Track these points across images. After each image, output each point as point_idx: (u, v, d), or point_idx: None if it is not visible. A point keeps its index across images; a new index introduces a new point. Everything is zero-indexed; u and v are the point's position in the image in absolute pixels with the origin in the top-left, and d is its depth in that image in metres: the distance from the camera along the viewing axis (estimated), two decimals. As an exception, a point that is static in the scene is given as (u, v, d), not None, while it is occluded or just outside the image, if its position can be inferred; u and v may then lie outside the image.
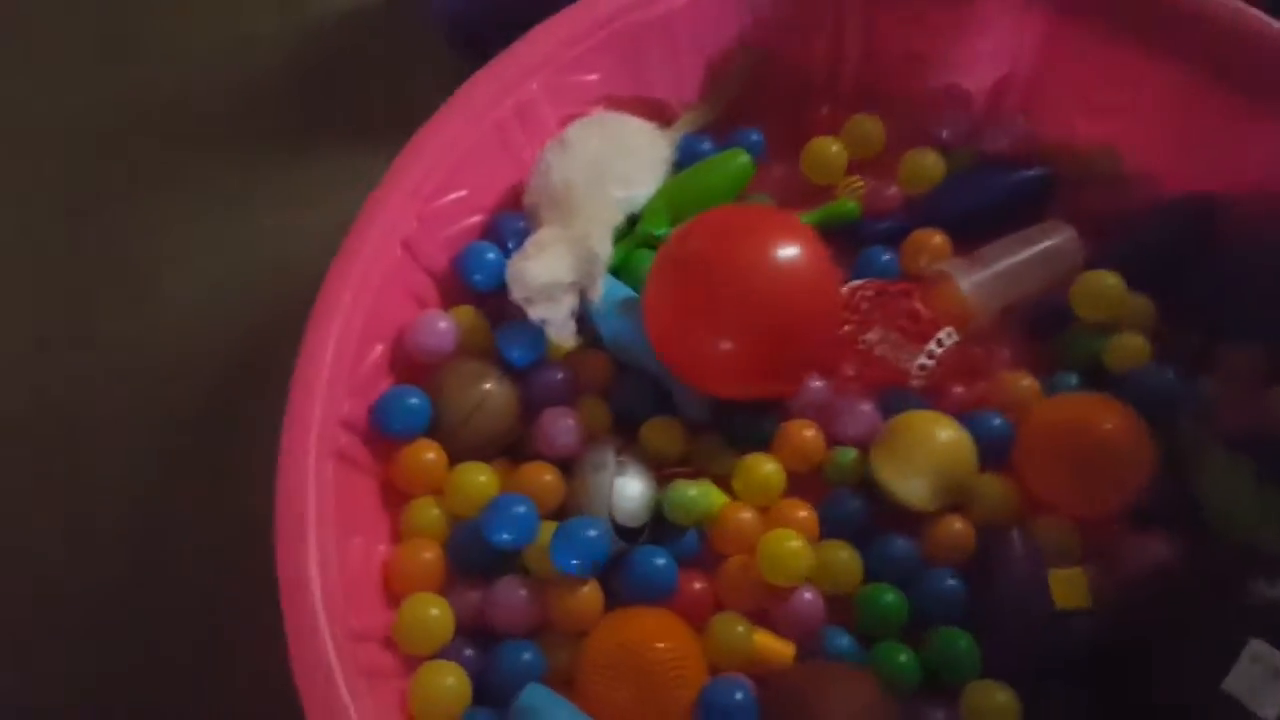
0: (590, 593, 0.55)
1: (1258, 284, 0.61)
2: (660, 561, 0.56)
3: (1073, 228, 0.64)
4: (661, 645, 0.52)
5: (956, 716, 0.53)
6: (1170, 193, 0.65)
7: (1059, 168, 0.68)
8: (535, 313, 0.60)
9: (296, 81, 0.86)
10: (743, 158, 0.69)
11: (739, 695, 0.51)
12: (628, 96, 0.70)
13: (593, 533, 0.54)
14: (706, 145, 0.71)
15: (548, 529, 0.56)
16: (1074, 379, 0.62)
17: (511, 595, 0.55)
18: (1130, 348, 0.61)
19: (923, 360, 0.59)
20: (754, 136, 0.72)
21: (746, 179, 0.69)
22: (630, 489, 0.58)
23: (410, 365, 0.62)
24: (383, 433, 0.59)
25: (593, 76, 0.68)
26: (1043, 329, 0.65)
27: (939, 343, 0.59)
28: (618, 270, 0.66)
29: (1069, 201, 0.67)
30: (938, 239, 0.66)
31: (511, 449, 0.62)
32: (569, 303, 0.61)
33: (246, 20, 0.89)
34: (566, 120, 0.68)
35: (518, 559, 0.57)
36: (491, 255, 0.64)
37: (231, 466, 0.65)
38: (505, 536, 0.55)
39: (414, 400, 0.59)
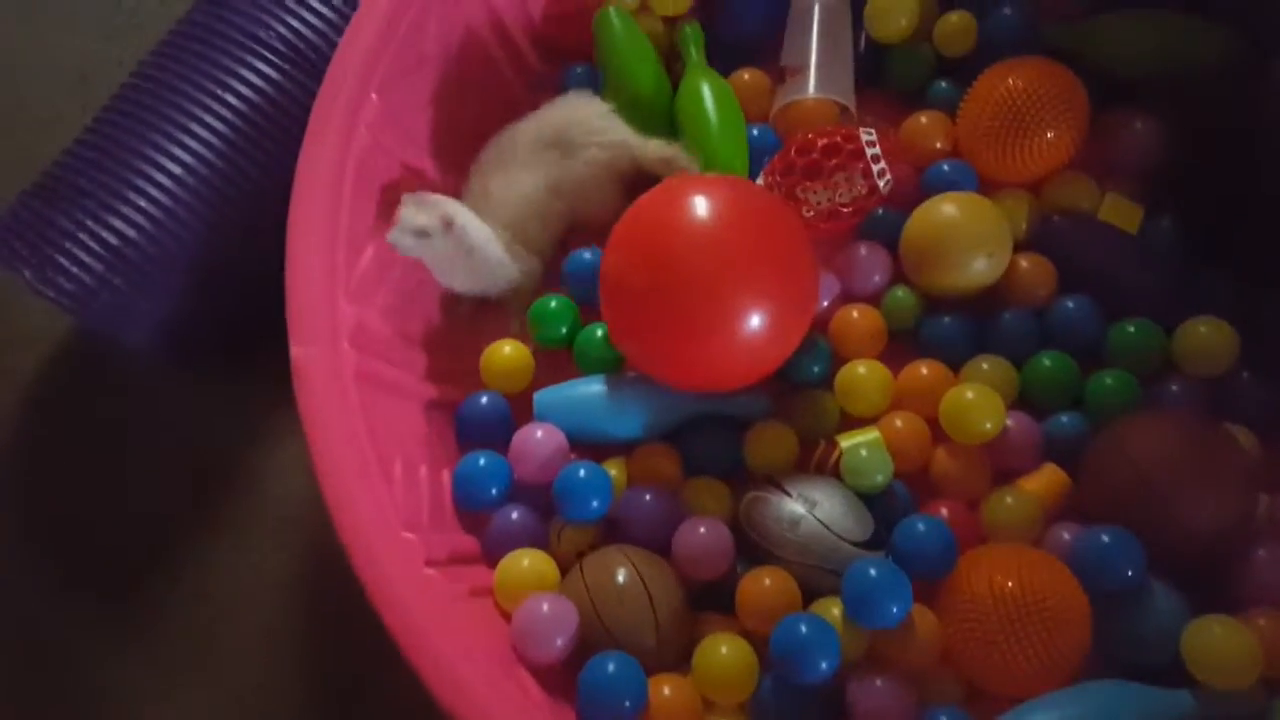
0: (922, 619, 0.47)
1: None
2: (923, 527, 0.48)
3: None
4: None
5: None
6: None
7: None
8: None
9: None
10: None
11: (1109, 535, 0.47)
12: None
13: (875, 572, 0.46)
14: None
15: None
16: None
17: (878, 696, 0.46)
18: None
19: (878, 168, 0.55)
20: (578, 69, 0.65)
21: None
22: (835, 510, 0.49)
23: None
24: None
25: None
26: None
27: (871, 145, 0.55)
28: None
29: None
30: (746, 74, 0.62)
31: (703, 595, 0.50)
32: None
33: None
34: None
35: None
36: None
37: None
38: (824, 667, 0.45)
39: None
